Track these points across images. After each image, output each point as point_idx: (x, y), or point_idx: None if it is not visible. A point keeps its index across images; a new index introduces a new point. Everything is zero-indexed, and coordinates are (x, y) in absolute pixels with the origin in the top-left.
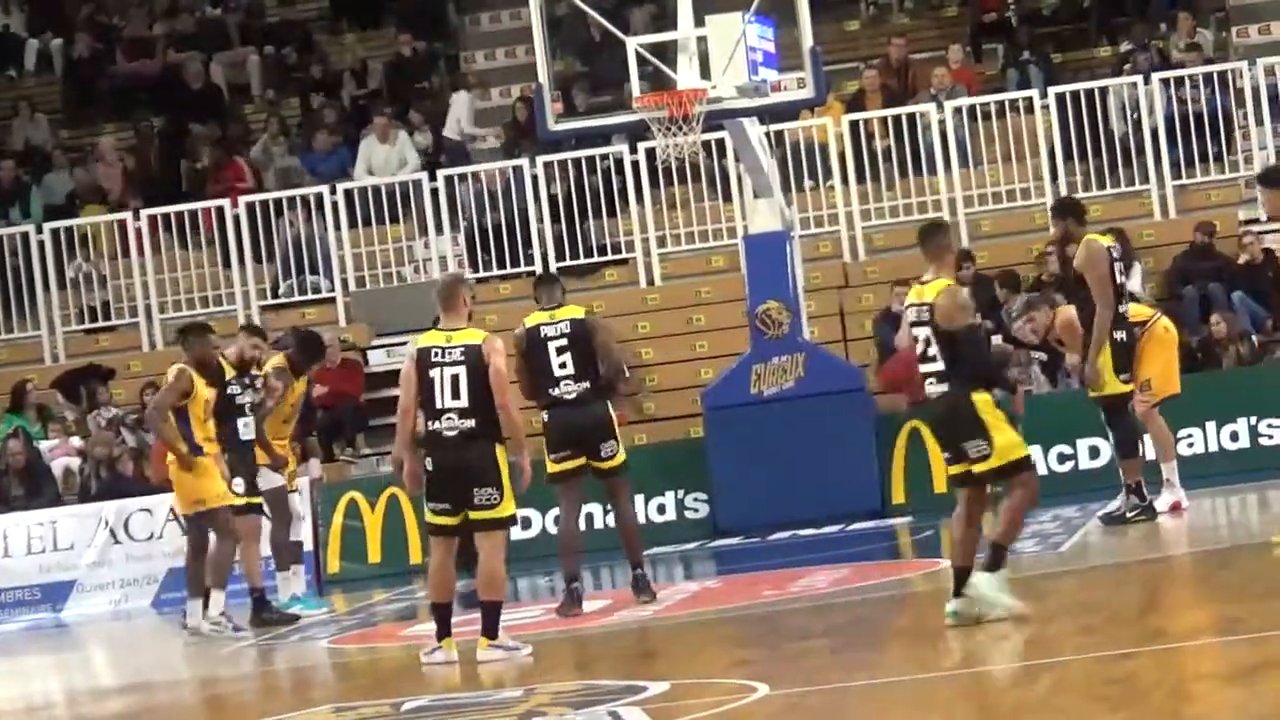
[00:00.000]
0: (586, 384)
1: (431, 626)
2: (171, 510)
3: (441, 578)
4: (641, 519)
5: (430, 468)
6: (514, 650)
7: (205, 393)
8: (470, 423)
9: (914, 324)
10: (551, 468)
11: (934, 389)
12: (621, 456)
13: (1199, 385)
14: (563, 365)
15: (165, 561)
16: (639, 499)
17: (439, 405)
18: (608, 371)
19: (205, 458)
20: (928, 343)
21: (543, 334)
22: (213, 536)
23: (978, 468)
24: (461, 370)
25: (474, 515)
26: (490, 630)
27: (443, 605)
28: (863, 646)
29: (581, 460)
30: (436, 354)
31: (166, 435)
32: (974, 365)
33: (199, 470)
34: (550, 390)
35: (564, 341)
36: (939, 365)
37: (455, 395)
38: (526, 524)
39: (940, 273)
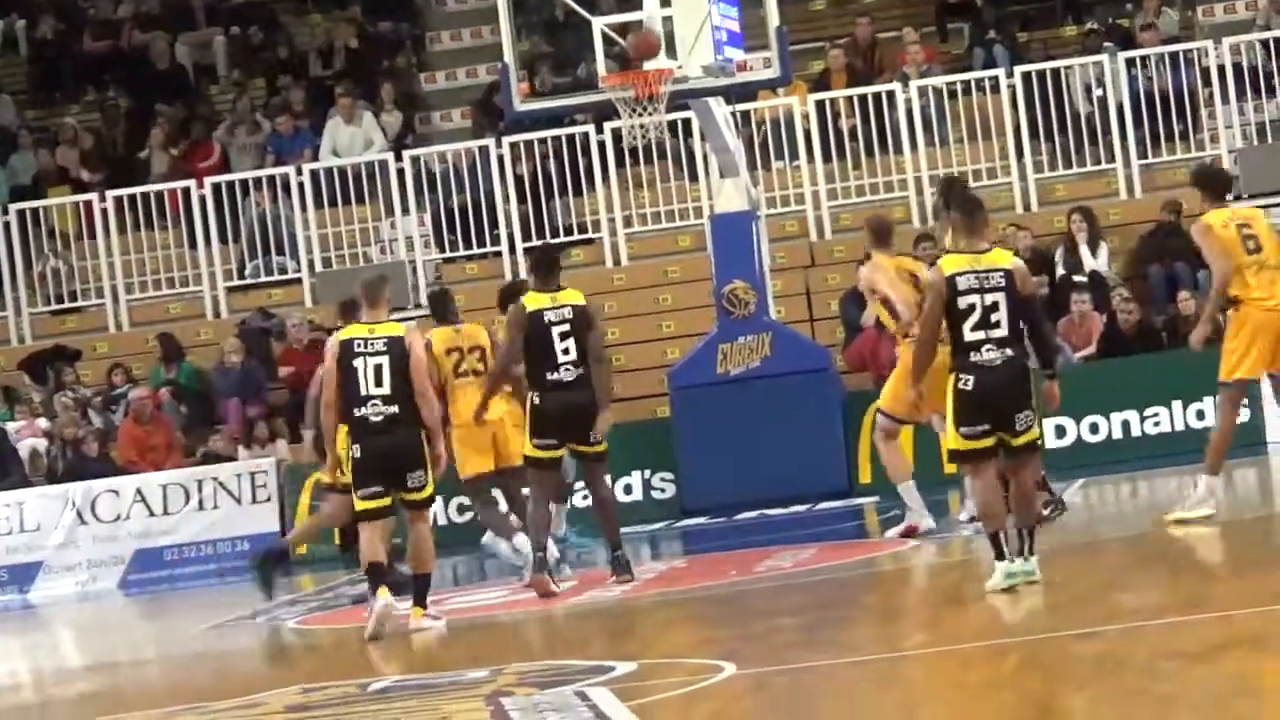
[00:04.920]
0: (583, 369)
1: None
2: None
3: (373, 548)
4: None
5: (358, 454)
6: (436, 620)
7: None
8: (394, 409)
9: (969, 291)
10: (534, 452)
11: (992, 355)
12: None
13: (1166, 364)
14: (565, 350)
15: (132, 542)
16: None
17: (363, 392)
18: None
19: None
20: (991, 308)
21: (546, 319)
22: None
23: (1021, 439)
24: (385, 360)
25: (407, 497)
26: (422, 601)
27: (377, 563)
28: (829, 625)
29: (563, 451)
30: (359, 345)
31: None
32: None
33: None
34: (549, 374)
35: (566, 327)
36: (1002, 331)
37: (379, 383)
38: None
39: (991, 243)
